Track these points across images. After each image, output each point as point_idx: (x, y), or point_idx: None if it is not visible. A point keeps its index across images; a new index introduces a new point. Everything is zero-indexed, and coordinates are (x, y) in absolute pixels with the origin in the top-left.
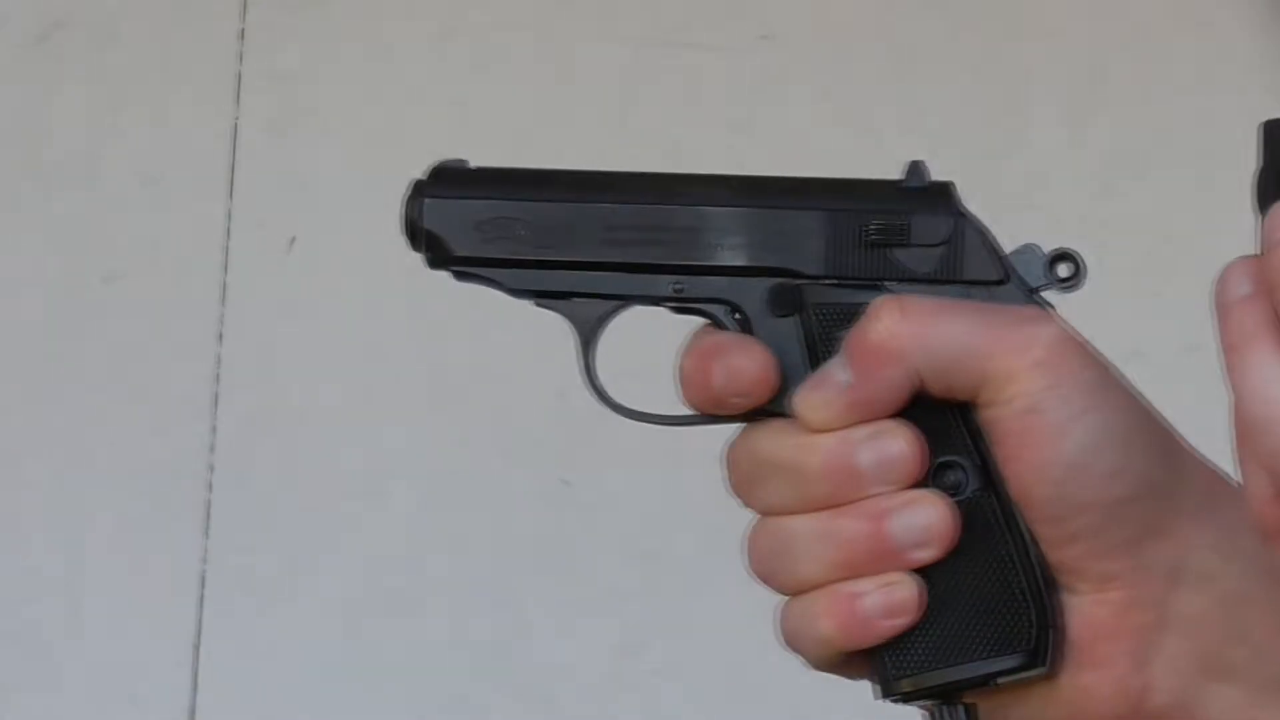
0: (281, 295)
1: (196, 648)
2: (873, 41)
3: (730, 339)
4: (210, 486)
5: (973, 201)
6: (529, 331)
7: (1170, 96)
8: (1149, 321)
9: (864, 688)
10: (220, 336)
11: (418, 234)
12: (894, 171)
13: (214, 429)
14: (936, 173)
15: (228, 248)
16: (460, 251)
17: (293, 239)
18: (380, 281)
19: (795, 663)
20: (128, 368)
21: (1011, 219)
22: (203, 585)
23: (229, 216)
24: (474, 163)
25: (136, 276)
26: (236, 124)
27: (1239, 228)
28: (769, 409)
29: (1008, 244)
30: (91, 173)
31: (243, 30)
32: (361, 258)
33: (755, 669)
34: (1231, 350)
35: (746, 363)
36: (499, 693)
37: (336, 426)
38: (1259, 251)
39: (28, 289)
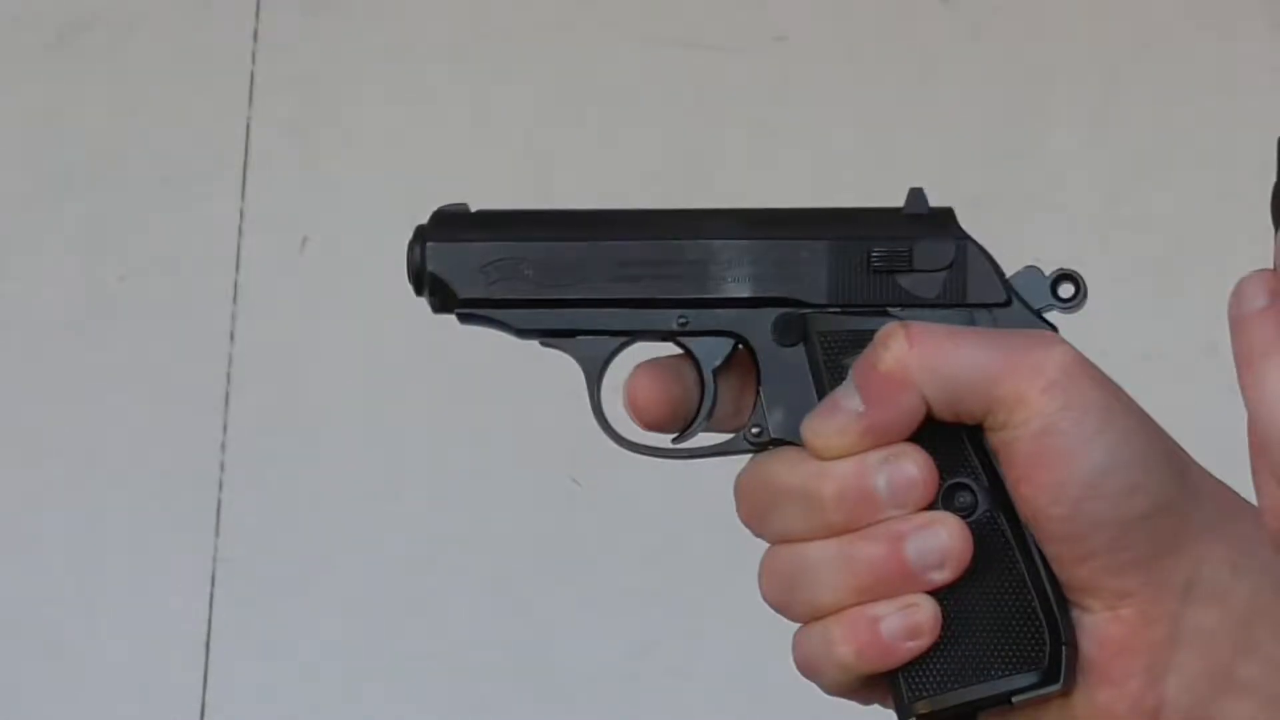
0: (293, 295)
1: (207, 646)
2: (888, 43)
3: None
4: (221, 486)
5: (989, 203)
6: None
7: (1186, 99)
8: (1166, 322)
9: None
10: (232, 336)
11: (422, 279)
12: (910, 173)
13: (225, 428)
14: (951, 172)
15: (240, 248)
16: (466, 294)
17: (305, 239)
18: (392, 281)
19: None
20: (140, 367)
21: (1028, 220)
22: (213, 584)
23: (241, 216)
24: (483, 200)
25: (150, 276)
26: (249, 124)
27: (1255, 229)
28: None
29: (1023, 247)
30: (107, 173)
31: (256, 31)
32: (373, 258)
33: (769, 667)
34: (1246, 364)
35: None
36: (511, 692)
37: (347, 427)
38: (1275, 266)
39: (43, 288)
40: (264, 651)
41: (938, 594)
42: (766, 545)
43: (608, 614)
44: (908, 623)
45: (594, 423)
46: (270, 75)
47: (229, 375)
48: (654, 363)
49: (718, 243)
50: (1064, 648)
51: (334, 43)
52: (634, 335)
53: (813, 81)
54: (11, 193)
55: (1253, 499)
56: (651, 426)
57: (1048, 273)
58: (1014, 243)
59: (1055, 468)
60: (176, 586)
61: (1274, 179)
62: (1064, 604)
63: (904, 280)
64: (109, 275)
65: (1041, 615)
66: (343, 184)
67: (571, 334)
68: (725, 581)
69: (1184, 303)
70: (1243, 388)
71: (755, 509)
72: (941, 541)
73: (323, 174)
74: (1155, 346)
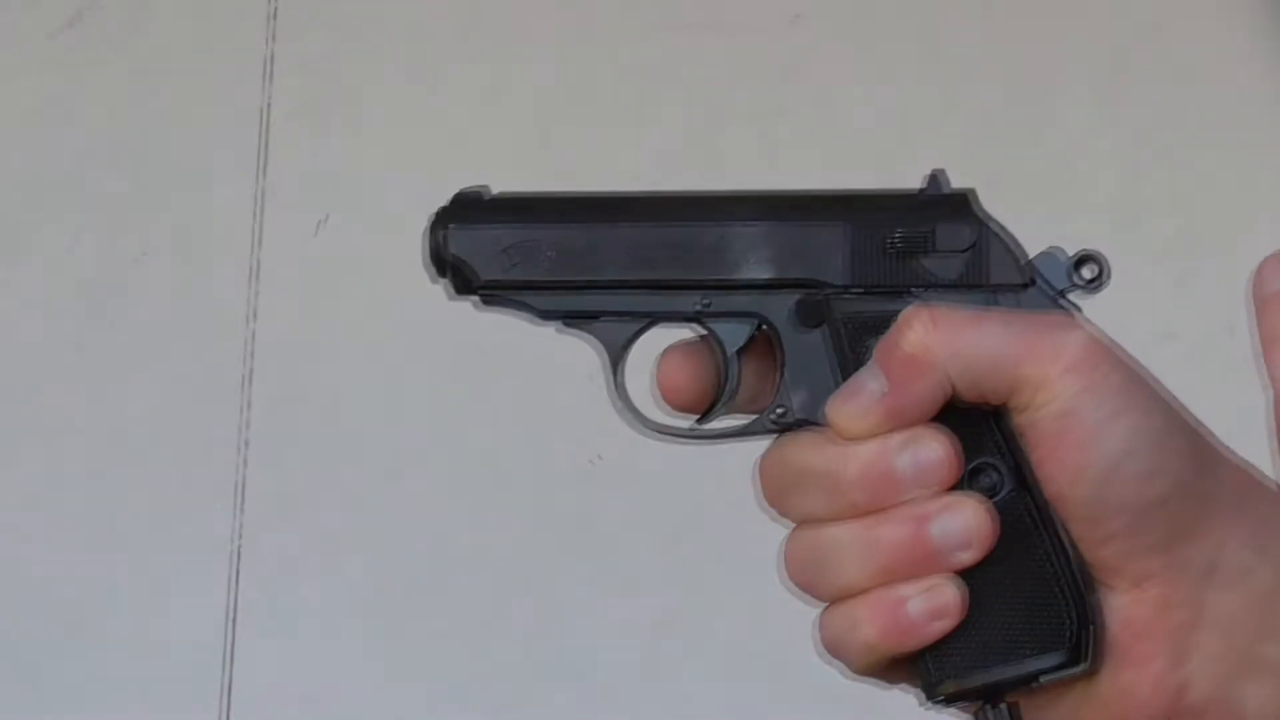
0: (312, 275)
1: (230, 624)
2: (902, 25)
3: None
4: (244, 464)
5: (1003, 185)
6: None
7: (1199, 78)
8: (1182, 303)
9: None
10: (252, 315)
11: (443, 262)
12: (924, 154)
13: (246, 407)
14: (965, 154)
15: (258, 228)
16: (487, 276)
17: (323, 219)
18: (410, 261)
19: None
20: (161, 346)
21: (1042, 203)
22: (236, 562)
23: (260, 197)
24: (497, 180)
25: (168, 256)
26: (268, 105)
27: (1267, 209)
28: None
29: (1038, 228)
30: (123, 154)
31: (274, 11)
32: (391, 237)
33: (787, 648)
34: (1270, 344)
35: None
36: (529, 672)
37: (368, 405)
38: None
39: (63, 268)
40: (286, 630)
41: (963, 575)
42: (788, 527)
43: (626, 593)
44: (933, 604)
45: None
46: (288, 55)
47: (250, 354)
48: (684, 345)
49: (738, 226)
50: (1090, 628)
51: (351, 23)
52: (655, 318)
53: (828, 63)
54: (30, 173)
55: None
56: (683, 409)
57: (1069, 254)
58: (1028, 225)
59: (1076, 449)
60: (199, 565)
61: None
62: (1090, 584)
63: (925, 262)
64: (128, 255)
65: (1067, 596)
66: (361, 163)
67: (592, 317)
68: (744, 561)
69: (1200, 283)
70: (1266, 370)
71: (778, 490)
72: (966, 522)
73: (341, 153)
74: (1169, 328)
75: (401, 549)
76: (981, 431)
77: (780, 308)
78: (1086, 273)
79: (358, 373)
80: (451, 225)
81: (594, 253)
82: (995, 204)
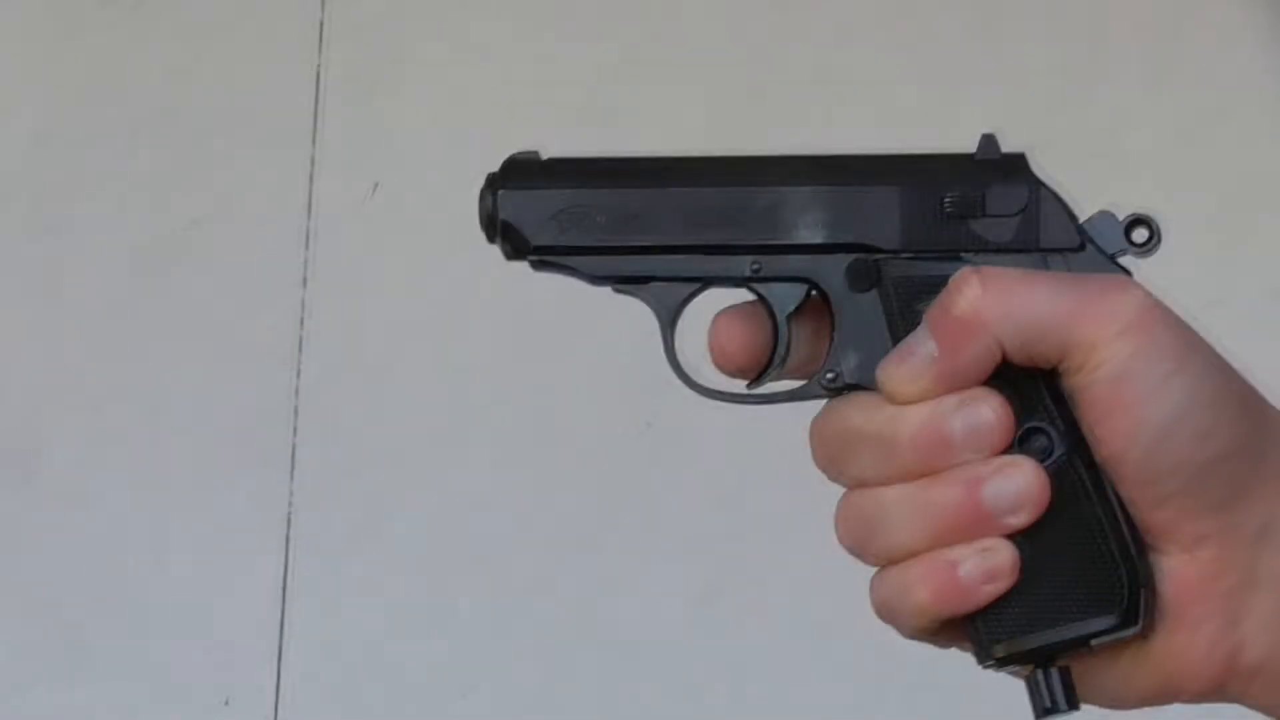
0: (365, 241)
1: (283, 592)
2: None
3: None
4: (295, 432)
5: (1052, 151)
6: None
7: (1247, 46)
8: (1229, 269)
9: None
10: (304, 282)
11: (494, 226)
12: (973, 120)
13: (298, 374)
14: (1015, 119)
15: (311, 194)
16: (538, 241)
17: (376, 185)
18: (462, 227)
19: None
20: (213, 314)
21: (1088, 168)
22: (289, 530)
23: (313, 163)
24: (548, 145)
25: (221, 223)
26: (319, 71)
27: None
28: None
29: (1085, 193)
30: (176, 121)
31: None
32: (444, 203)
33: (838, 611)
34: None
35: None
36: (580, 639)
37: (420, 372)
38: None
39: (115, 236)
40: (339, 596)
41: (1015, 538)
42: (841, 490)
43: (677, 560)
44: (985, 566)
45: (666, 367)
46: (340, 22)
47: (302, 321)
48: (736, 308)
49: (790, 189)
50: (1142, 590)
51: None
52: (707, 281)
53: (880, 26)
54: (83, 140)
55: None
56: (735, 372)
57: (1121, 217)
58: (1076, 190)
59: (1130, 411)
60: (252, 533)
61: None
62: (1141, 547)
63: (977, 225)
64: (181, 222)
65: (1119, 558)
66: (413, 129)
67: (644, 280)
68: (796, 525)
69: (1248, 249)
70: None
71: (831, 454)
72: (1018, 485)
73: (393, 120)
74: (1218, 293)
75: (453, 515)
76: (1033, 395)
77: (832, 271)
78: (1139, 236)
79: (410, 339)
80: (502, 190)
81: (645, 217)
82: (1045, 167)
